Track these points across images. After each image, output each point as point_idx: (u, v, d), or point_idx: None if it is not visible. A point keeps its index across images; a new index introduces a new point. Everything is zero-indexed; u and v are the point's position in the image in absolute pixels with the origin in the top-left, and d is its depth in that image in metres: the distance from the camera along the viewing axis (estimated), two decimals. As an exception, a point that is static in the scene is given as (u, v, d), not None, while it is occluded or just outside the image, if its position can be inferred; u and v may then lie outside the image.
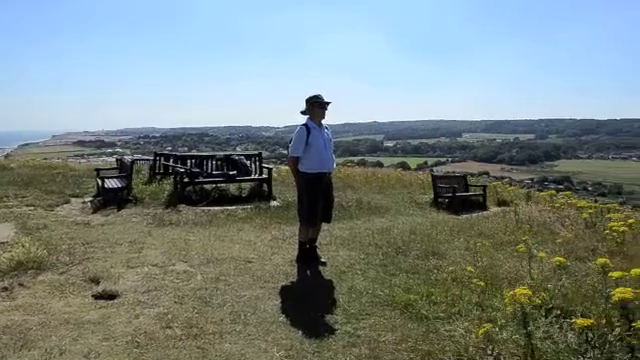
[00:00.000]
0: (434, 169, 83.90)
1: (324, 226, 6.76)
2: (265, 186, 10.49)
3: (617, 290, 3.76)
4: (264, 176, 10.60)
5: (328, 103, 5.82)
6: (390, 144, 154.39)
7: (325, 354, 3.67)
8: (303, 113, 5.87)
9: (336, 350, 3.73)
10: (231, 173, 10.22)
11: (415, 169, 39.84)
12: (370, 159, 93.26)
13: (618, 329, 3.74)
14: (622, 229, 7.33)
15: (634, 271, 4.69)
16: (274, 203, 9.78)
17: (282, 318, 4.33)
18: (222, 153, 11.44)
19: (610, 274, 4.40)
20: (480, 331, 3.64)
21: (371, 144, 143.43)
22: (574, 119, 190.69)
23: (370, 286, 5.14)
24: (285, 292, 5.03)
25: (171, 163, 10.86)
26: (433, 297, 4.76)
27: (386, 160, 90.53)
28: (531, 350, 3.49)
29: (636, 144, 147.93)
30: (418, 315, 4.37)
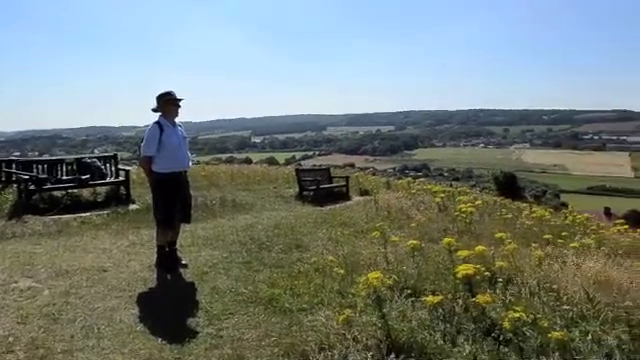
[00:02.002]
0: (302, 163, 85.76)
1: (186, 227, 6.56)
2: (123, 189, 9.94)
3: (461, 267, 4.05)
4: (121, 179, 10.04)
5: (181, 100, 5.63)
6: (258, 140, 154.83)
7: (187, 359, 3.54)
8: (155, 111, 5.61)
9: (198, 354, 3.62)
10: (83, 177, 9.54)
11: (284, 164, 40.22)
12: (239, 156, 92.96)
13: (461, 301, 4.04)
14: (470, 210, 7.97)
15: (478, 248, 5.10)
16: (133, 207, 9.32)
17: (140, 327, 4.10)
18: (73, 156, 10.65)
19: (457, 253, 4.74)
20: (340, 318, 3.72)
21: (239, 140, 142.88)
22: (429, 110, 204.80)
23: (233, 284, 5.07)
24: (143, 299, 4.78)
25: (14, 170, 9.88)
26: (296, 289, 4.80)
27: (255, 156, 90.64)
28: (387, 330, 3.62)
29: (482, 132, 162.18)
30: (282, 309, 4.38)
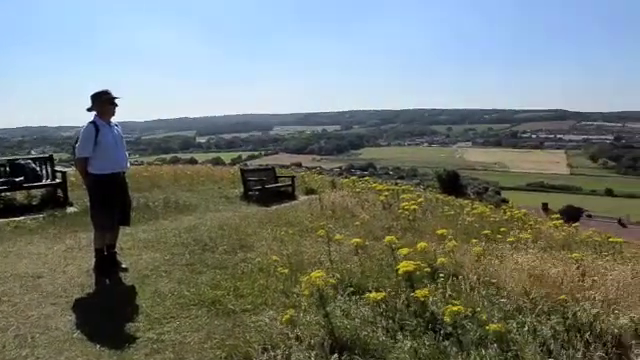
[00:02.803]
0: (248, 163, 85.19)
1: (126, 229, 6.39)
2: (60, 192, 9.57)
3: (402, 264, 4.12)
4: (58, 181, 9.66)
5: (118, 98, 5.47)
6: (203, 140, 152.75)
7: (126, 366, 3.45)
8: (90, 110, 5.43)
9: (138, 359, 3.53)
10: (17, 180, 9.12)
11: (230, 164, 39.79)
12: (183, 156, 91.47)
13: (404, 297, 4.10)
14: (413, 207, 8.11)
15: (420, 245, 5.19)
16: (71, 209, 8.99)
17: (77, 334, 3.95)
18: (5, 158, 10.18)
19: (399, 250, 4.81)
20: (284, 317, 3.72)
21: (183, 140, 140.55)
22: (375, 110, 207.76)
23: (176, 287, 4.96)
24: (81, 306, 4.61)
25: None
26: (240, 290, 4.76)
27: (200, 156, 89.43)
28: (331, 328, 3.64)
29: (426, 131, 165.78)
30: (225, 310, 4.32)
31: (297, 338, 3.58)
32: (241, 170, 12.60)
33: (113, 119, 5.54)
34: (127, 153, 5.71)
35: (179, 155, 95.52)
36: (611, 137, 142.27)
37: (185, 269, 5.59)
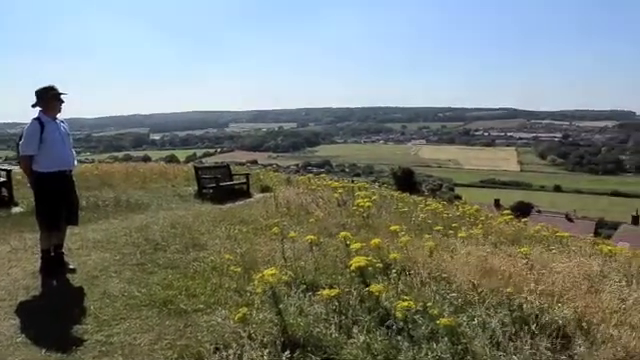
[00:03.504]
0: (203, 160, 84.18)
1: (75, 229, 6.23)
2: (4, 191, 9.22)
3: (354, 260, 4.14)
4: (2, 180, 9.31)
5: (64, 94, 5.31)
6: (157, 137, 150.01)
7: (73, 368, 3.35)
8: (35, 106, 5.24)
9: (85, 363, 3.43)
10: (-43, 179, 8.76)
11: (184, 162, 39.28)
12: (136, 154, 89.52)
13: (357, 293, 4.13)
14: (367, 204, 8.16)
15: (373, 241, 5.24)
16: (16, 209, 8.68)
17: (21, 338, 3.81)
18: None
19: (351, 246, 4.84)
20: (237, 316, 3.68)
21: (136, 138, 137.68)
22: (330, 107, 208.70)
23: (126, 288, 4.85)
24: (25, 309, 4.44)
25: None
26: (192, 290, 4.70)
27: (154, 154, 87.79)
28: (284, 326, 3.63)
29: (381, 129, 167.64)
30: (177, 310, 4.26)
31: (250, 337, 3.55)
32: (195, 168, 12.41)
33: (59, 116, 5.38)
34: (74, 151, 5.55)
35: (132, 153, 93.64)
36: (559, 135, 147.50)
37: (136, 269, 5.47)
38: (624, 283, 5.12)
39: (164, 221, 8.00)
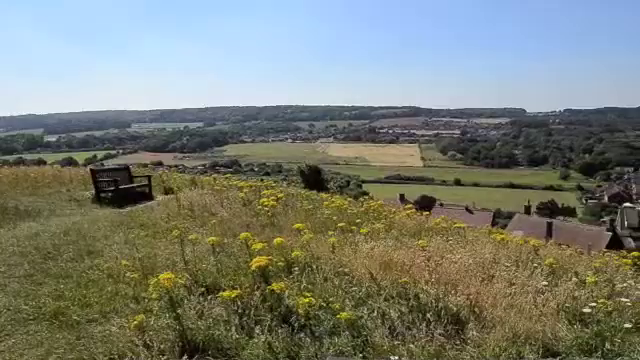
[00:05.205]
0: (104, 163, 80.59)
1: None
2: None
3: (254, 259, 4.11)
4: None
5: None
6: (53, 139, 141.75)
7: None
8: None
9: (-36, 386, 3.16)
10: None
11: (83, 164, 37.25)
12: (30, 157, 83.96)
13: (259, 293, 4.09)
14: (272, 203, 8.13)
15: (276, 240, 5.22)
16: None
17: None
18: None
19: (253, 246, 4.79)
20: (132, 324, 3.54)
21: (29, 140, 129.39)
22: (237, 106, 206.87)
23: (11, 301, 4.51)
24: None
25: None
26: (87, 299, 4.47)
27: (50, 157, 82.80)
28: (182, 331, 3.53)
29: (290, 127, 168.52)
30: (69, 322, 4.03)
31: (146, 345, 3.43)
32: (91, 170, 11.77)
33: None
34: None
35: (25, 156, 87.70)
36: (458, 132, 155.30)
37: (24, 281, 5.10)
38: (514, 268, 5.46)
39: (57, 228, 7.51)
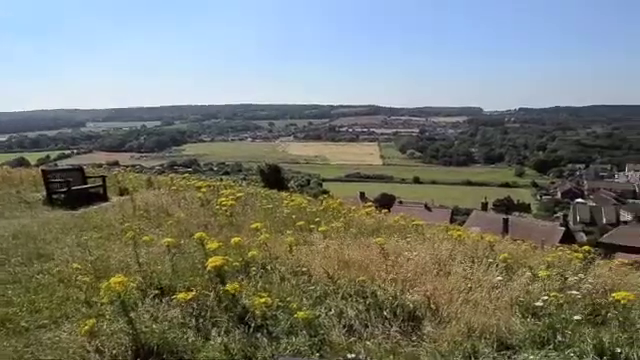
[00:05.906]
0: (58, 163, 78.41)
1: None
2: None
3: (210, 260, 4.05)
4: None
5: None
6: (3, 138, 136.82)
7: None
8: None
9: None
10: None
11: (36, 165, 36.14)
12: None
13: (213, 294, 4.04)
14: (230, 203, 8.05)
15: (233, 240, 5.17)
16: None
17: None
18: None
19: (209, 246, 4.72)
20: (83, 330, 3.45)
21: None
22: (196, 105, 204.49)
23: (-46, 310, 4.31)
24: None
25: None
26: (36, 305, 4.34)
27: (0, 157, 79.98)
28: (135, 335, 3.45)
29: (249, 126, 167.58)
30: (17, 329, 3.89)
31: (97, 350, 3.35)
32: (42, 171, 11.41)
33: None
34: None
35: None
36: (417, 130, 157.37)
37: (-32, 288, 4.89)
38: (470, 265, 5.54)
39: (4, 231, 7.24)
